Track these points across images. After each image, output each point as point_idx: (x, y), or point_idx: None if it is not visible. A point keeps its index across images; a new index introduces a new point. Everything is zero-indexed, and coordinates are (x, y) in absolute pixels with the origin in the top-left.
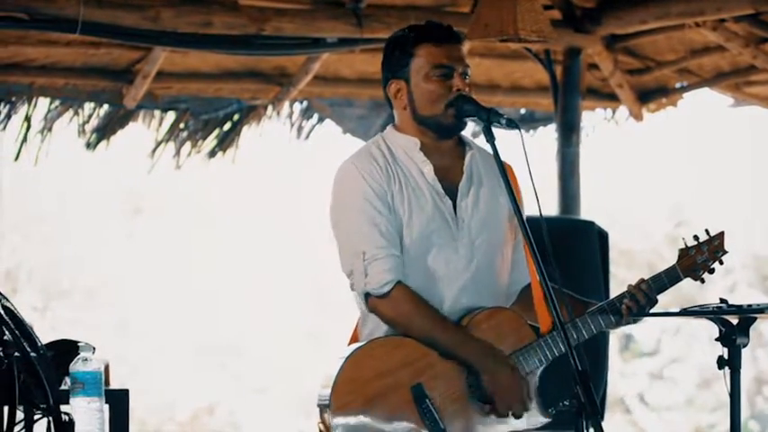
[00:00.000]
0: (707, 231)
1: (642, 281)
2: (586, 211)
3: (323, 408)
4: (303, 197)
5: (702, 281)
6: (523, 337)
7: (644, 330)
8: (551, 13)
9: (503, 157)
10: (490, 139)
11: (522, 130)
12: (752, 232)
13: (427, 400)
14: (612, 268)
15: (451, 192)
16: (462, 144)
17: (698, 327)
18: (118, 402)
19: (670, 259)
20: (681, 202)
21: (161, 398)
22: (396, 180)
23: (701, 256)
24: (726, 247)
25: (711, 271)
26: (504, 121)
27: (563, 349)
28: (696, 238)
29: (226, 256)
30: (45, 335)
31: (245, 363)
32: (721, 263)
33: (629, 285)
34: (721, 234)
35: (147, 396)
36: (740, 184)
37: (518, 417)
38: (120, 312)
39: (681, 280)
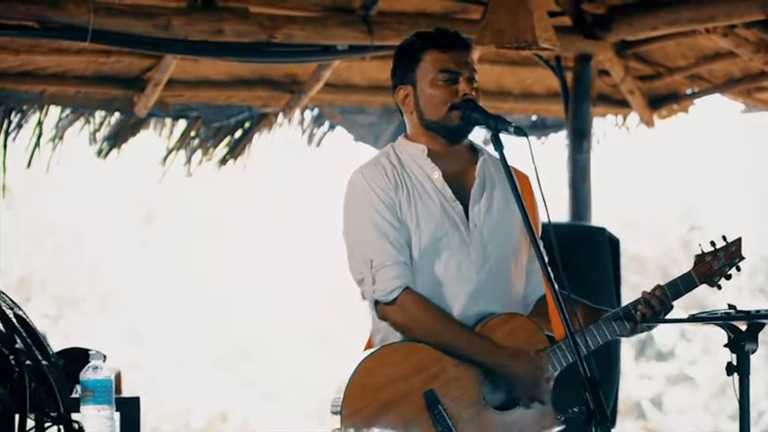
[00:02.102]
0: (724, 237)
1: (658, 287)
2: (597, 218)
3: (336, 414)
4: (314, 204)
5: (719, 287)
6: (537, 344)
7: (660, 333)
8: (562, 19)
9: (515, 165)
10: (498, 147)
11: (530, 138)
12: (764, 236)
13: (440, 406)
14: (624, 274)
15: (463, 197)
16: (474, 150)
17: (711, 331)
18: (129, 410)
19: (684, 264)
20: (692, 208)
21: (175, 405)
22: (403, 188)
23: (717, 263)
24: (743, 254)
25: (728, 277)
26: (511, 129)
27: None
28: (713, 244)
29: (237, 264)
30: (58, 343)
31: (258, 369)
32: (738, 269)
33: (644, 292)
34: (738, 240)
35: (160, 404)
36: (752, 189)
37: (543, 402)
38: (132, 320)
39: (697, 286)
